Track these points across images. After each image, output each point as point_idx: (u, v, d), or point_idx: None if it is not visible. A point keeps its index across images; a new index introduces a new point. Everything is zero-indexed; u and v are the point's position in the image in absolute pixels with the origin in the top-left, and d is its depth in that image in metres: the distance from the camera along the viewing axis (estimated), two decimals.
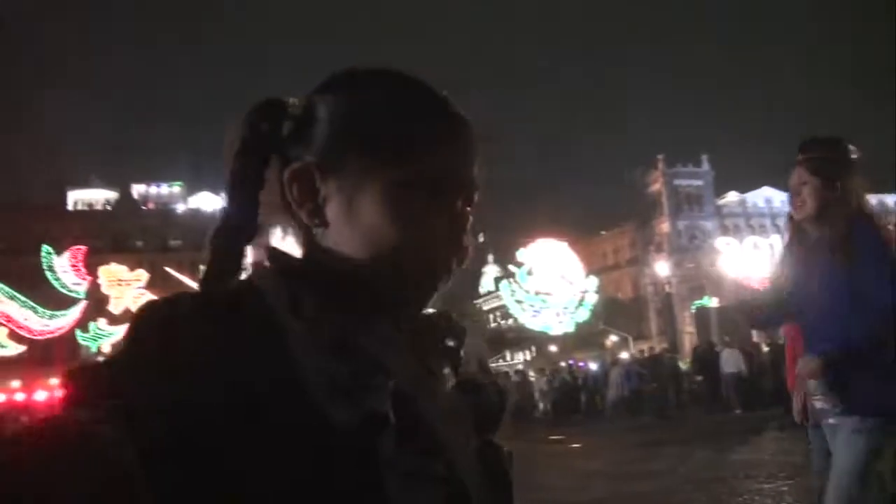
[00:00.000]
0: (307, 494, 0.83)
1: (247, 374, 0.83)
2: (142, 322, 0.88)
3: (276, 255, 1.00)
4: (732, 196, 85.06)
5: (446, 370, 1.07)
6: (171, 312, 0.88)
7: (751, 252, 51.21)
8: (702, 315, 39.94)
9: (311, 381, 0.85)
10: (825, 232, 3.64)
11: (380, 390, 0.89)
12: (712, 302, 44.99)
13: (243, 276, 0.98)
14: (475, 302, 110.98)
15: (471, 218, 1.05)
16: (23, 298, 36.32)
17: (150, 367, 0.83)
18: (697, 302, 47.61)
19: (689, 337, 44.33)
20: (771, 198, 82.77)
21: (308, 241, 1.02)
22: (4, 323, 36.23)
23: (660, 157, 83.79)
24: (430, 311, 1.11)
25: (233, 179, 1.03)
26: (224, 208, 1.04)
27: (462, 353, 1.12)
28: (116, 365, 0.86)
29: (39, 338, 44.71)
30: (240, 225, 1.02)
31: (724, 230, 77.39)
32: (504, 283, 48.74)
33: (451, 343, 1.11)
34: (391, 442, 0.87)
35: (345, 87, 1.04)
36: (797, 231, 3.88)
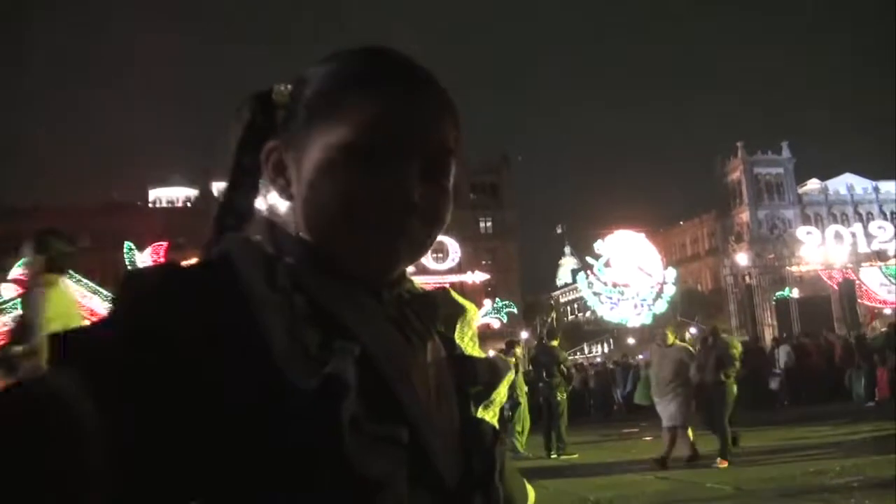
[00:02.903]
0: (266, 453, 0.85)
1: (210, 336, 0.86)
2: (121, 289, 0.92)
3: (268, 228, 1.06)
4: (813, 184, 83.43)
5: (433, 344, 1.08)
6: (147, 280, 0.92)
7: (832, 242, 50.00)
8: (782, 307, 39.33)
9: (275, 346, 0.87)
10: None
11: (344, 355, 0.90)
12: (793, 293, 44.15)
13: (223, 248, 1.00)
14: (552, 294, 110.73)
15: (443, 182, 1.04)
16: (105, 293, 36.95)
17: (118, 324, 0.87)
18: (779, 294, 46.71)
19: (769, 329, 43.49)
20: (853, 185, 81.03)
21: (293, 215, 1.07)
22: (88, 316, 36.45)
23: (739, 144, 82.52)
24: (429, 287, 1.16)
25: (234, 169, 1.12)
26: (226, 193, 1.13)
27: (461, 328, 1.16)
28: (89, 330, 0.89)
29: None
30: (239, 209, 1.11)
31: (805, 219, 75.92)
32: (581, 275, 48.24)
33: (440, 317, 1.13)
34: (353, 406, 0.88)
35: (312, 68, 1.07)
36: None
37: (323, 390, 0.87)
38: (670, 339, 13.11)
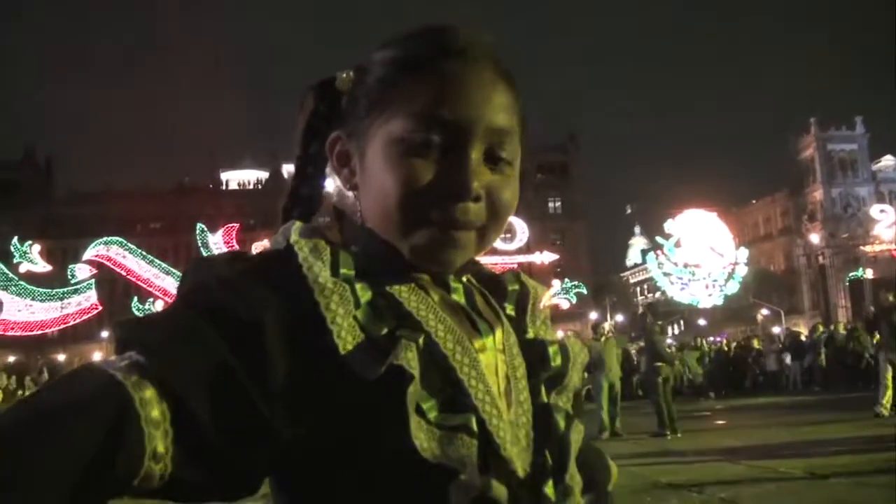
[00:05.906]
0: (336, 440, 0.88)
1: (280, 325, 0.87)
2: (185, 278, 0.95)
3: (336, 216, 1.07)
4: (888, 160, 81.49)
5: (503, 328, 1.07)
6: (208, 271, 0.93)
7: None
8: (856, 288, 38.55)
9: (338, 336, 0.89)
10: None
11: (408, 344, 0.91)
12: (867, 274, 43.22)
13: (288, 236, 1.00)
14: (622, 275, 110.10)
15: (506, 166, 1.01)
16: (179, 274, 37.66)
17: (176, 320, 0.88)
18: (852, 274, 45.79)
19: (843, 311, 42.68)
20: None
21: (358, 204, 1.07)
22: (161, 296, 37.25)
23: (812, 119, 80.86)
24: (500, 271, 1.16)
25: (299, 158, 1.13)
26: (293, 182, 1.14)
27: (532, 311, 1.13)
28: (153, 318, 0.90)
29: None
30: (306, 197, 1.13)
31: (880, 197, 74.22)
32: (651, 255, 47.82)
33: (513, 301, 1.13)
34: (418, 396, 0.89)
35: (373, 53, 1.05)
36: None
37: (386, 379, 0.88)
38: None
